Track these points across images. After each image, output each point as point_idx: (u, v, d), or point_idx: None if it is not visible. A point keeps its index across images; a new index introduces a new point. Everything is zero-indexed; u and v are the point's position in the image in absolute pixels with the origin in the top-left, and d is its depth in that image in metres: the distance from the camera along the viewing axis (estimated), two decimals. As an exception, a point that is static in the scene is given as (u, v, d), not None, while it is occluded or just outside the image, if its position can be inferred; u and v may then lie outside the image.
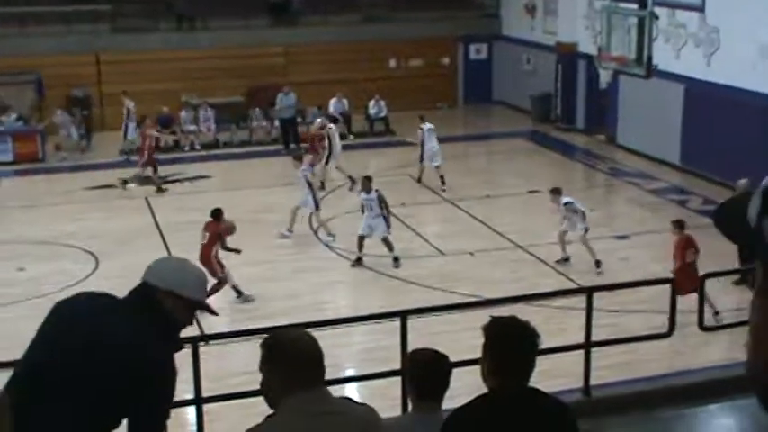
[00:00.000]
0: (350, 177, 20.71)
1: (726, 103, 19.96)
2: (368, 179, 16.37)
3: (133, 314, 3.52)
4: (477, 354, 3.95)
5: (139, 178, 21.42)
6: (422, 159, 20.80)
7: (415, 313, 8.26)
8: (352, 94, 25.95)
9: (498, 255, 16.55)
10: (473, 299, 12.70)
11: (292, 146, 24.80)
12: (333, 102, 25.84)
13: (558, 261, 15.80)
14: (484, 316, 11.74)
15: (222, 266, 14.45)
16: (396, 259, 15.89)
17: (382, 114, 26.48)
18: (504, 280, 15.01)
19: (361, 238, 15.91)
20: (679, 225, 13.82)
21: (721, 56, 20.51)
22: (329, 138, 21.06)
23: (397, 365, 7.52)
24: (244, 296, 14.50)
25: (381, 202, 15.99)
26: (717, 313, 12.29)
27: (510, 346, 3.72)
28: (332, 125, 21.76)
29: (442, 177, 20.40)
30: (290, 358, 3.39)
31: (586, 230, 15.59)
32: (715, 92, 20.43)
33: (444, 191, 20.20)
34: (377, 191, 16.12)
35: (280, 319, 12.22)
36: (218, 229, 14.46)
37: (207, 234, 14.46)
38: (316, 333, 10.93)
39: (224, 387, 8.68)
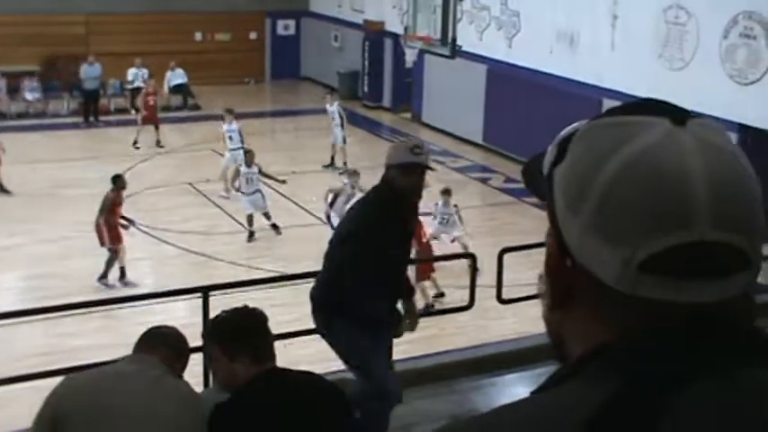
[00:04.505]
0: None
1: (525, 84, 20.65)
2: (251, 153, 16.43)
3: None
4: (283, 329, 3.87)
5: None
6: None
7: (218, 289, 8.10)
8: (155, 68, 25.17)
9: (304, 231, 16.50)
10: (278, 275, 12.60)
11: (91, 119, 23.95)
12: (131, 71, 25.04)
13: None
14: (289, 292, 11.63)
15: (118, 239, 13.91)
16: (275, 226, 16.06)
17: (181, 81, 25.73)
18: (309, 256, 14.93)
19: (250, 217, 15.90)
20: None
21: (522, 39, 21.19)
22: None
23: (199, 342, 7.35)
24: (126, 280, 13.92)
25: (261, 175, 16.19)
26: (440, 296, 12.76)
27: (249, 334, 3.68)
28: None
29: None
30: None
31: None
32: (515, 73, 21.10)
33: None
34: (257, 164, 16.18)
35: (76, 297, 11.71)
36: (116, 198, 14.04)
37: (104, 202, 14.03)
38: (115, 311, 10.55)
39: (16, 370, 8.24)
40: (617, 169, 1.00)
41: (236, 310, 3.82)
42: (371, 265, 5.50)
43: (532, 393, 1.06)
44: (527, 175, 1.18)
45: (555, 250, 1.07)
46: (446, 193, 14.44)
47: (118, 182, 14.34)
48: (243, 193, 16.12)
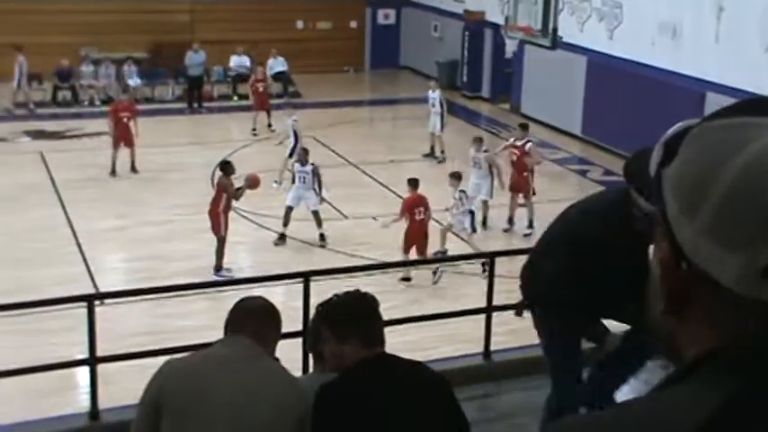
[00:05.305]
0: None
1: (626, 76, 20.34)
2: (305, 151, 15.97)
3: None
4: (384, 317, 3.94)
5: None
6: None
7: (318, 275, 8.24)
8: (256, 56, 25.54)
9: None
10: (375, 262, 12.71)
11: (195, 105, 24.44)
12: (234, 58, 25.52)
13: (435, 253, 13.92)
14: (386, 279, 11.76)
15: (226, 226, 13.93)
16: (322, 236, 15.21)
17: (282, 69, 26.04)
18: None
19: (290, 209, 15.21)
20: (413, 183, 14.12)
21: (623, 31, 20.87)
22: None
23: (298, 327, 7.50)
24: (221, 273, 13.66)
25: (315, 175, 15.43)
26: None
27: (360, 317, 3.72)
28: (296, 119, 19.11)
29: None
30: None
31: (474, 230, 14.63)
32: (616, 65, 20.80)
33: None
34: (312, 164, 15.63)
35: (178, 279, 12.03)
36: (229, 184, 13.96)
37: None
38: (217, 294, 10.81)
39: (121, 348, 8.52)
40: (736, 174, 0.98)
41: (348, 293, 3.87)
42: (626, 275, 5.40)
43: (649, 393, 1.06)
44: (630, 174, 1.17)
45: (668, 254, 1.06)
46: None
47: (227, 168, 14.22)
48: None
